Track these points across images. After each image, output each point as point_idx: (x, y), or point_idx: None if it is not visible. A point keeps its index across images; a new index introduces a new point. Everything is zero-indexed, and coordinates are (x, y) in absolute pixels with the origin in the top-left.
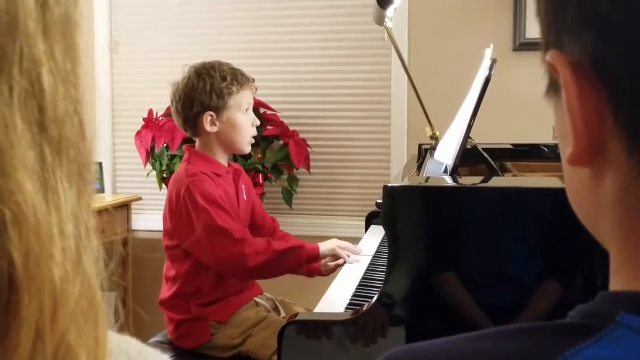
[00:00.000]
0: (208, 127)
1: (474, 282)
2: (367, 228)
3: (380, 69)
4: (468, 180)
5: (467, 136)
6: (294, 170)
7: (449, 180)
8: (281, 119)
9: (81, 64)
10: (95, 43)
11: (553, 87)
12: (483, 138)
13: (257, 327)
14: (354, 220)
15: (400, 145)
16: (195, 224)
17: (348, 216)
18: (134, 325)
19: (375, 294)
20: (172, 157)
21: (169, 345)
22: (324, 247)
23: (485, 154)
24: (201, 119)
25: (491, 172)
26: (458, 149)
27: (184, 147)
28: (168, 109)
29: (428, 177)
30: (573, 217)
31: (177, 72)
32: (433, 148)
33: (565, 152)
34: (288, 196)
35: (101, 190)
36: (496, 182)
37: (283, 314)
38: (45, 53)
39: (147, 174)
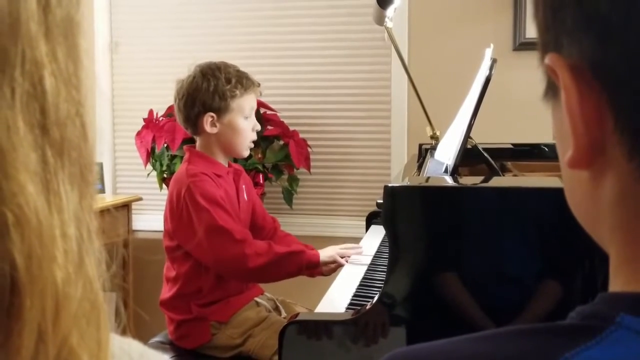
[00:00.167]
0: (208, 128)
1: (474, 282)
2: (367, 228)
3: (380, 69)
4: (469, 180)
5: (467, 136)
6: (295, 170)
7: (449, 180)
8: (281, 119)
9: (83, 65)
10: (95, 43)
11: (551, 90)
12: (483, 138)
13: (258, 327)
14: (355, 220)
15: (400, 145)
16: (196, 225)
17: (348, 216)
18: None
19: (376, 294)
20: (173, 157)
21: (169, 345)
22: (324, 254)
23: (485, 154)
24: (202, 119)
25: (492, 172)
26: (458, 149)
27: (184, 147)
28: (168, 109)
29: (428, 177)
30: (573, 217)
31: (177, 72)
32: (433, 148)
33: (565, 155)
34: (288, 196)
35: (102, 190)
36: (497, 182)
37: (284, 314)
38: (47, 55)
39: (148, 175)
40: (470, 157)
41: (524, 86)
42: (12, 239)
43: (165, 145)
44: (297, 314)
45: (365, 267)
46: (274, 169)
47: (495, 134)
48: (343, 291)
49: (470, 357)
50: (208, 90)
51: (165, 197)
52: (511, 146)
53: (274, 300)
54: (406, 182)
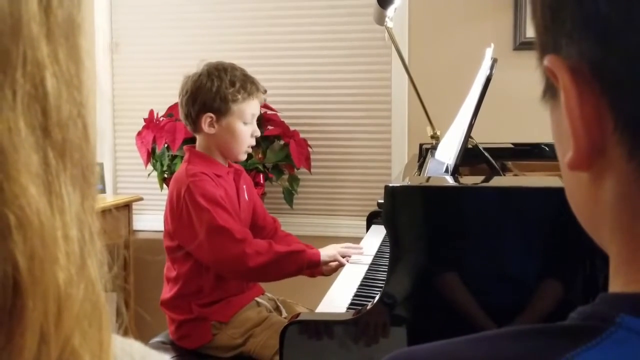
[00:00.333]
0: (206, 128)
1: (475, 282)
2: (368, 228)
3: (380, 69)
4: (469, 180)
5: (468, 136)
6: (295, 170)
7: (450, 180)
8: (282, 119)
9: (85, 67)
10: (96, 43)
11: (550, 91)
12: (484, 137)
13: (259, 328)
14: (355, 220)
15: (401, 145)
16: (196, 224)
17: (349, 216)
18: (136, 326)
19: (377, 294)
20: (173, 157)
21: (171, 345)
22: (325, 253)
23: (486, 154)
24: (201, 118)
25: (492, 172)
26: (459, 149)
27: (184, 147)
28: (169, 109)
29: (429, 177)
30: (574, 217)
31: (177, 72)
32: (434, 148)
33: (565, 156)
34: (289, 196)
35: (102, 190)
36: (497, 181)
37: (285, 314)
38: (48, 56)
39: (148, 175)
40: (470, 156)
41: (525, 86)
42: (15, 240)
43: (166, 145)
44: (298, 314)
45: (366, 267)
46: (275, 169)
47: (496, 134)
48: (344, 291)
49: (470, 358)
50: (210, 91)
51: (166, 198)
52: (512, 146)
53: (274, 300)
54: (407, 182)
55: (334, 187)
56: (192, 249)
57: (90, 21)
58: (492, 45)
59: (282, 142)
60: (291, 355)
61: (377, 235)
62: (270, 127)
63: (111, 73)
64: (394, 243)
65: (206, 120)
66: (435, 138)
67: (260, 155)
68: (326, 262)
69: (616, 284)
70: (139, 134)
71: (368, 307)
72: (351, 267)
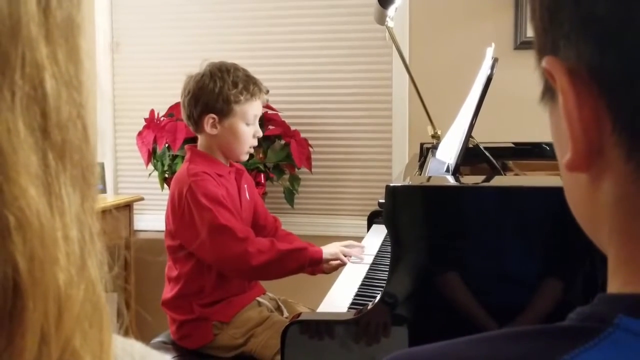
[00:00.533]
0: (208, 129)
1: (476, 282)
2: (369, 227)
3: (381, 69)
4: (470, 180)
5: (469, 135)
6: (296, 169)
7: (451, 180)
8: (282, 119)
9: (84, 67)
10: (96, 43)
11: (548, 93)
12: (485, 137)
13: (260, 327)
14: (356, 219)
15: (401, 145)
16: (198, 224)
17: (350, 216)
18: (137, 326)
19: (378, 293)
20: (174, 157)
21: (172, 345)
22: (327, 250)
23: (487, 153)
24: (203, 119)
25: (493, 171)
26: (460, 148)
27: (186, 147)
28: (170, 109)
29: (430, 177)
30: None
31: (178, 72)
32: (435, 147)
33: (563, 157)
34: (290, 196)
35: (103, 190)
36: (498, 181)
37: (286, 314)
38: (48, 57)
39: (149, 174)
40: (471, 156)
41: (525, 85)
42: (14, 242)
43: (167, 145)
44: (299, 314)
45: (367, 267)
46: (276, 169)
47: (497, 133)
48: (345, 291)
49: (470, 358)
50: (213, 92)
51: (167, 197)
52: (512, 145)
53: (275, 300)
54: (408, 182)
55: (335, 187)
56: (194, 248)
57: (89, 22)
58: (493, 44)
59: (282, 142)
60: (292, 355)
61: (378, 235)
62: (271, 127)
63: (112, 73)
64: (394, 243)
65: (208, 121)
66: (436, 137)
67: (261, 155)
68: (328, 260)
69: (614, 285)
70: (140, 133)
71: (369, 307)
72: (352, 266)
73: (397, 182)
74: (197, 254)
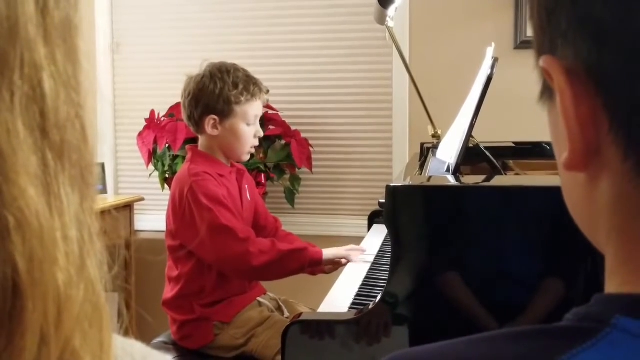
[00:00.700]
0: (209, 130)
1: (477, 282)
2: (369, 227)
3: (381, 68)
4: (470, 180)
5: (469, 135)
6: (296, 169)
7: (451, 180)
8: (283, 119)
9: (82, 68)
10: (96, 44)
11: (547, 92)
12: (485, 137)
13: (261, 327)
14: (357, 219)
15: (402, 144)
16: (199, 224)
17: (350, 215)
18: (138, 326)
19: (379, 293)
20: (175, 157)
21: (172, 346)
22: (328, 252)
23: (487, 153)
24: (204, 120)
25: (493, 171)
26: (460, 148)
27: (187, 147)
28: (170, 109)
29: (430, 177)
30: None
31: (178, 72)
32: (435, 147)
33: (561, 157)
34: (290, 196)
35: (104, 191)
36: (499, 181)
37: (287, 314)
38: (46, 58)
39: (150, 175)
40: (472, 156)
41: (526, 85)
42: (14, 242)
43: (167, 145)
44: (300, 314)
45: (368, 267)
46: (276, 169)
47: (497, 133)
48: (345, 291)
49: (469, 359)
50: (214, 93)
51: (167, 198)
52: (513, 145)
53: (276, 300)
54: (408, 182)
55: (336, 187)
56: (194, 247)
57: (88, 22)
58: (493, 44)
59: (283, 142)
60: (293, 355)
61: (378, 234)
62: (271, 127)
63: (112, 73)
64: (395, 243)
65: (209, 122)
66: (437, 137)
67: (261, 155)
68: (328, 261)
69: (612, 285)
70: (140, 134)
71: (370, 307)
72: (353, 266)
73: (397, 182)
74: (197, 253)
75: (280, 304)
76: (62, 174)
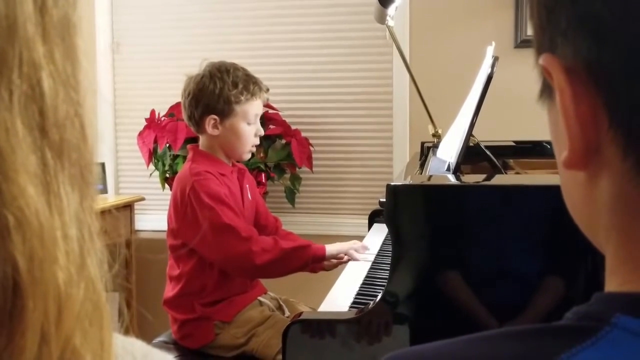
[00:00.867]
0: (210, 129)
1: (477, 281)
2: (370, 227)
3: (381, 68)
4: (471, 179)
5: (469, 134)
6: (297, 169)
7: (451, 179)
8: (283, 118)
9: (81, 66)
10: (96, 44)
11: (546, 91)
12: (485, 136)
13: (262, 327)
14: (357, 218)
15: (402, 144)
16: (201, 222)
17: (351, 215)
18: (139, 325)
19: (379, 292)
20: (175, 157)
21: (173, 345)
22: (331, 248)
23: (487, 152)
24: (204, 120)
25: (494, 170)
26: (461, 147)
27: (188, 146)
28: (170, 109)
29: (431, 176)
30: None
31: (178, 71)
32: (435, 146)
33: (560, 155)
34: (291, 195)
35: (104, 190)
36: (499, 180)
37: (287, 313)
38: (45, 57)
39: (150, 174)
40: (472, 155)
41: (526, 84)
42: (14, 241)
43: (168, 145)
44: (301, 313)
45: (368, 266)
46: (276, 168)
47: (497, 132)
48: (346, 290)
49: (469, 358)
50: (214, 93)
51: (168, 197)
52: (513, 144)
53: (277, 300)
54: (408, 181)
55: (336, 186)
56: (195, 244)
57: (87, 21)
58: (493, 43)
59: (283, 141)
60: (294, 354)
61: (379, 233)
62: (271, 126)
63: (112, 73)
64: (395, 242)
65: (210, 121)
66: (437, 136)
67: (262, 155)
68: (331, 257)
69: (612, 284)
70: (141, 133)
71: (370, 306)
72: (353, 265)
73: (398, 181)
74: (199, 252)
75: (281, 303)
76: (62, 173)
